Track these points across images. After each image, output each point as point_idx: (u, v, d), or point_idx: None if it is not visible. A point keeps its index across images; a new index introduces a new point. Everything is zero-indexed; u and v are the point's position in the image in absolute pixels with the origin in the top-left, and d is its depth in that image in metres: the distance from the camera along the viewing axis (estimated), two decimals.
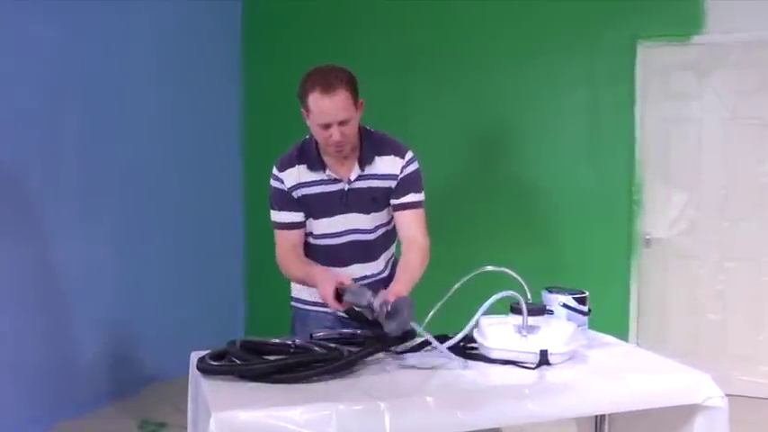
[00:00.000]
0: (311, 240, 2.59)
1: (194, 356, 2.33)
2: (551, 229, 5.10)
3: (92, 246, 4.39)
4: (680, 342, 4.84)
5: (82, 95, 4.32)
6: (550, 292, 2.56)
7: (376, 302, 2.21)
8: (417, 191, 2.57)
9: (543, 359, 2.18)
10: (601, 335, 2.66)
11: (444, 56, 5.28)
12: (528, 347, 2.21)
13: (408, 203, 2.54)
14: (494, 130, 5.23)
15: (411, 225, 2.54)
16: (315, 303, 2.62)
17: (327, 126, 2.34)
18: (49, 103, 4.12)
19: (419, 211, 2.57)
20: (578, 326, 2.51)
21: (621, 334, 4.90)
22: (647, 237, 4.88)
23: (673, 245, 4.85)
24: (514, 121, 5.17)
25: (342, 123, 2.34)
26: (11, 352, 3.88)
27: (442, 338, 2.32)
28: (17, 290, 3.94)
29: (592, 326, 4.86)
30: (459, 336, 2.26)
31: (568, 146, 5.04)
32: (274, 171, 2.53)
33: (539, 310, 2.34)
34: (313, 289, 2.61)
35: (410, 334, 2.31)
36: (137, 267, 4.71)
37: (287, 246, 2.53)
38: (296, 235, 2.55)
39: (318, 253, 2.59)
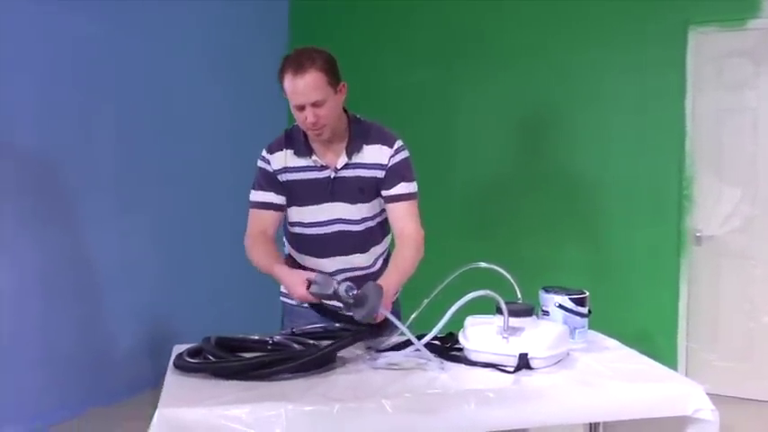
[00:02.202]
0: (300, 230, 2.53)
1: (176, 350, 2.32)
2: (597, 225, 4.91)
3: (129, 238, 4.47)
4: (732, 346, 4.58)
5: (121, 89, 4.40)
6: (547, 291, 2.43)
7: (341, 289, 2.15)
8: (408, 181, 2.48)
9: (522, 363, 2.06)
10: (604, 338, 2.51)
11: (489, 45, 5.16)
12: (508, 350, 2.10)
13: (399, 195, 2.46)
14: (538, 122, 5.06)
15: (403, 218, 2.46)
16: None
17: (302, 108, 2.30)
18: (88, 97, 4.21)
19: (411, 203, 2.49)
20: (575, 328, 2.38)
21: (670, 336, 4.71)
22: (698, 234, 4.64)
23: (725, 243, 4.59)
24: (560, 113, 4.99)
25: (315, 105, 2.30)
26: (45, 339, 3.99)
27: (423, 337, 2.24)
28: (53, 279, 4.05)
29: (639, 326, 4.78)
30: (430, 335, 2.15)
31: (616, 138, 4.83)
32: (263, 153, 2.50)
33: (524, 311, 2.21)
34: None
35: (387, 329, 2.24)
36: (175, 260, 4.77)
37: (256, 228, 2.47)
38: (269, 217, 2.48)
39: (307, 243, 2.54)
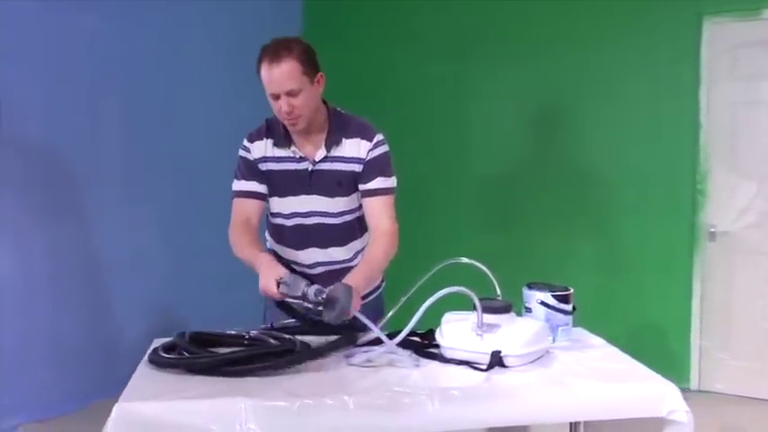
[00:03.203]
0: (279, 221, 2.52)
1: (156, 343, 2.33)
2: (610, 220, 4.83)
3: (137, 230, 4.49)
4: (746, 344, 4.48)
5: (129, 83, 4.41)
6: (530, 288, 2.38)
7: (310, 291, 2.12)
8: (386, 175, 2.45)
9: (495, 361, 2.02)
10: (590, 336, 2.46)
11: (502, 39, 5.09)
12: (482, 348, 2.06)
13: (375, 190, 2.43)
14: (551, 116, 4.99)
15: (378, 213, 2.42)
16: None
17: (277, 97, 2.29)
18: (96, 91, 4.23)
19: (388, 198, 2.45)
20: (558, 326, 2.34)
21: (682, 334, 4.62)
22: (712, 230, 4.53)
23: (740, 239, 4.47)
24: (573, 107, 4.91)
25: (290, 94, 2.28)
26: (51, 331, 4.03)
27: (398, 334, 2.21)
28: (61, 271, 4.08)
29: (651, 323, 4.69)
30: (403, 333, 2.11)
31: (629, 131, 4.73)
32: (244, 142, 2.50)
33: (501, 307, 2.17)
34: None
35: (356, 327, 2.22)
36: (183, 252, 4.79)
37: (240, 217, 2.47)
38: (252, 205, 2.48)
39: (285, 234, 2.53)
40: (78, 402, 4.10)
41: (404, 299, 2.25)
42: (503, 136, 5.12)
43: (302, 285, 2.14)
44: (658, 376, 2.00)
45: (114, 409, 1.75)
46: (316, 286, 2.12)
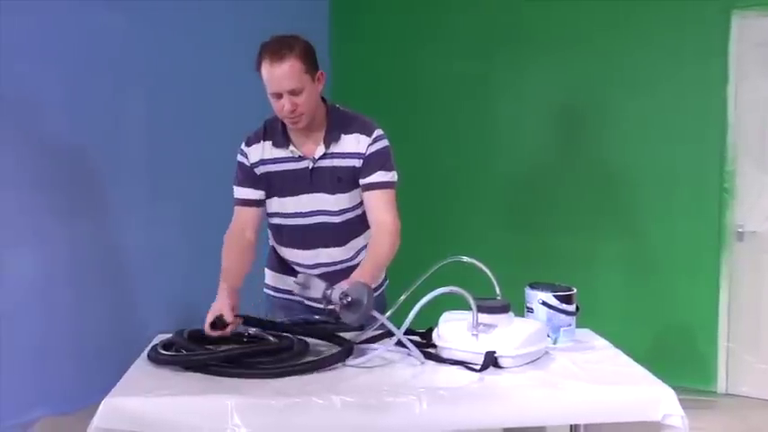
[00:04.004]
0: (280, 221, 2.52)
1: (158, 339, 2.35)
2: (635, 220, 4.74)
3: (159, 227, 4.53)
4: None
5: (151, 79, 4.44)
6: (532, 288, 2.34)
7: (334, 295, 2.03)
8: (386, 170, 2.41)
9: (488, 361, 2.00)
10: (595, 337, 2.42)
11: (528, 35, 5.02)
12: (477, 348, 2.04)
13: (376, 183, 2.39)
14: (577, 113, 4.91)
15: (379, 207, 2.39)
16: (282, 291, 2.59)
17: (279, 96, 2.28)
18: (118, 87, 4.27)
19: (388, 192, 2.41)
20: (560, 326, 2.30)
21: (709, 336, 4.53)
22: (740, 230, 4.42)
23: None
24: (598, 105, 4.83)
25: (293, 93, 2.27)
26: (73, 327, 4.08)
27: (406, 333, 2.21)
28: (83, 268, 4.13)
29: (677, 325, 4.61)
30: (399, 332, 2.10)
31: (655, 130, 4.64)
32: (242, 146, 2.50)
33: (499, 307, 2.14)
34: (282, 276, 2.60)
35: (367, 325, 2.22)
36: (205, 248, 4.80)
37: (237, 226, 2.48)
38: (249, 213, 2.48)
39: (287, 234, 2.52)
40: (99, 396, 4.13)
41: (403, 297, 2.23)
42: (528, 134, 5.06)
43: (322, 287, 2.06)
44: (656, 379, 1.95)
45: (102, 403, 1.77)
46: (338, 288, 2.05)
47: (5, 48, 3.75)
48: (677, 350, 4.60)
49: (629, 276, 4.74)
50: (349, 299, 2.03)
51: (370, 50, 5.64)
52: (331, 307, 2.08)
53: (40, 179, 3.93)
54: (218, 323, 2.22)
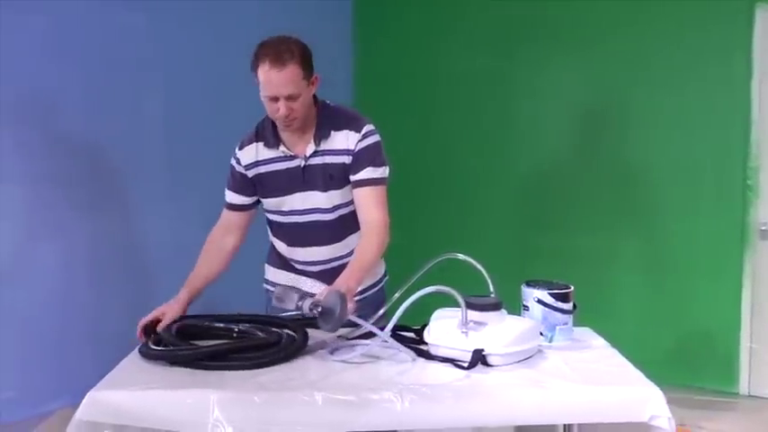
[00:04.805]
0: (278, 218, 2.54)
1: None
2: (656, 218, 4.67)
3: (179, 222, 4.58)
4: None
5: (171, 76, 4.50)
6: (528, 285, 2.32)
7: (305, 306, 2.06)
8: (375, 165, 2.40)
9: (476, 359, 1.98)
10: (593, 336, 2.38)
11: (550, 31, 4.98)
12: (465, 346, 2.02)
13: (364, 180, 2.39)
14: (597, 111, 4.85)
15: (367, 204, 2.38)
16: (281, 286, 2.56)
17: (275, 99, 2.29)
18: (136, 85, 4.33)
19: (377, 189, 2.40)
20: (556, 325, 2.27)
21: (731, 336, 4.45)
22: (763, 228, 4.33)
23: None
24: (619, 101, 4.76)
25: (290, 98, 2.28)
26: (92, 319, 4.16)
27: (401, 329, 2.23)
28: (104, 263, 4.21)
29: (698, 324, 4.52)
30: (386, 331, 2.09)
31: (676, 126, 4.56)
32: (235, 150, 2.53)
33: (490, 305, 2.12)
34: (280, 271, 2.65)
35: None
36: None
37: (219, 230, 2.57)
38: (234, 217, 2.55)
39: (284, 231, 2.54)
40: None
41: (397, 295, 2.22)
42: (549, 132, 5.02)
43: (296, 299, 2.09)
44: (646, 380, 1.91)
45: (86, 396, 1.79)
46: (309, 300, 2.06)
47: (26, 47, 3.83)
48: (698, 351, 4.51)
49: (650, 276, 4.67)
50: (319, 309, 2.04)
51: (392, 48, 5.64)
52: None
53: (61, 176, 4.00)
54: (149, 331, 2.32)
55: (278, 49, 2.27)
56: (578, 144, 4.90)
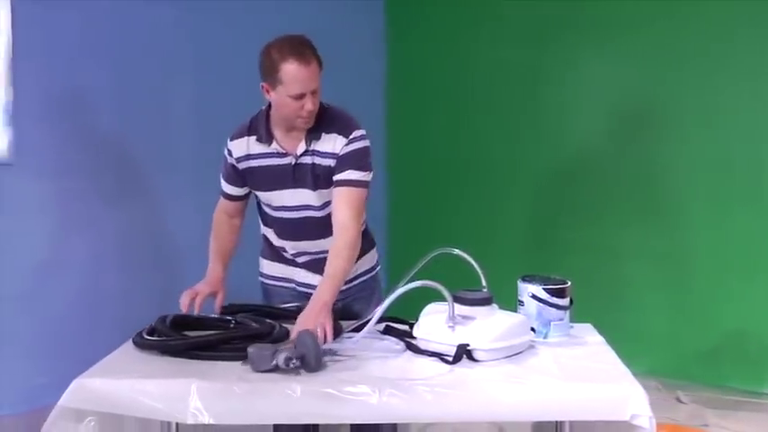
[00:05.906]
0: (270, 212, 2.57)
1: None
2: (685, 215, 4.55)
3: (206, 213, 4.64)
4: None
5: (198, 70, 4.56)
6: (524, 280, 2.30)
7: (280, 360, 1.91)
8: (359, 169, 2.39)
9: (460, 354, 1.97)
10: (591, 333, 2.35)
11: (584, 22, 4.88)
12: (452, 340, 2.02)
13: (343, 180, 2.38)
14: (629, 105, 4.74)
15: (341, 205, 2.37)
16: (275, 278, 2.67)
17: (301, 96, 2.30)
18: (165, 78, 4.40)
19: (354, 191, 2.38)
20: (551, 321, 2.24)
21: (762, 336, 4.31)
22: None
23: None
24: (649, 95, 4.66)
25: (314, 93, 2.33)
26: (120, 309, 4.24)
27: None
28: (133, 254, 4.29)
29: (730, 326, 4.41)
30: (368, 327, 2.10)
31: (707, 123, 4.44)
32: (227, 142, 2.58)
33: (479, 300, 2.11)
34: (274, 264, 2.69)
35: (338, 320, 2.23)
36: (250, 233, 4.92)
37: (222, 212, 2.70)
38: (231, 205, 2.65)
39: (275, 225, 2.58)
40: None
41: (394, 295, 2.18)
42: (578, 126, 4.94)
43: (270, 359, 1.93)
44: (631, 379, 1.88)
45: (72, 383, 1.84)
46: (283, 354, 1.92)
47: (56, 42, 3.93)
48: (728, 351, 4.39)
49: (680, 274, 4.57)
50: (295, 361, 1.92)
51: (424, 43, 5.61)
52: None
53: (90, 168, 4.09)
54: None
55: (300, 46, 2.33)
56: (607, 140, 4.81)
